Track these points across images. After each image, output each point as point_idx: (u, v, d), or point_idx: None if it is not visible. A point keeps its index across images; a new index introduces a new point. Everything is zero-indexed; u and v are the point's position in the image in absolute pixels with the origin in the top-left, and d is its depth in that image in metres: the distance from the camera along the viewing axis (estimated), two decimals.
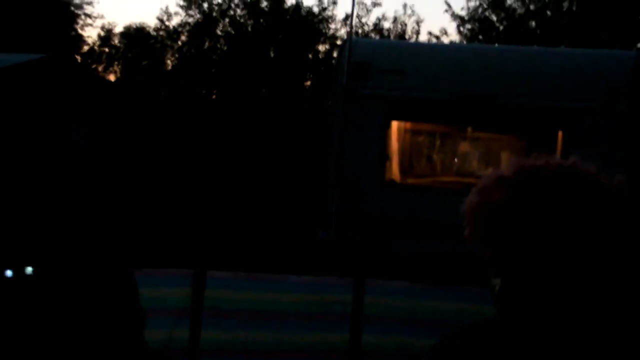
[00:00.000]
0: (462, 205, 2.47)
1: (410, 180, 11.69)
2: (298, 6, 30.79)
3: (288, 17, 28.93)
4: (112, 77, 26.86)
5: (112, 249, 3.04)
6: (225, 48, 25.74)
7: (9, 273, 4.88)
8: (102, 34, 32.68)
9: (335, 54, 10.82)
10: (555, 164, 2.42)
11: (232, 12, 30.39)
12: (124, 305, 2.77)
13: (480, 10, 33.94)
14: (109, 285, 2.76)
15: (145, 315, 2.81)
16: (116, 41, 31.62)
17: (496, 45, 27.39)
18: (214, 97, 23.50)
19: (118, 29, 35.30)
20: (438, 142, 12.42)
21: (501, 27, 33.57)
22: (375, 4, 37.16)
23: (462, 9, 53.94)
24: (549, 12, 32.87)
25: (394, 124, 11.48)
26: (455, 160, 12.37)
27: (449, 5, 42.69)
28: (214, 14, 29.60)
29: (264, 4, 30.32)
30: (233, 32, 28.09)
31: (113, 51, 31.10)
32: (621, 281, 2.36)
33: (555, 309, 2.35)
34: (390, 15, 67.46)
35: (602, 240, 2.32)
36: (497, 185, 2.43)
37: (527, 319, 2.38)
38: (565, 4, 32.33)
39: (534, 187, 2.36)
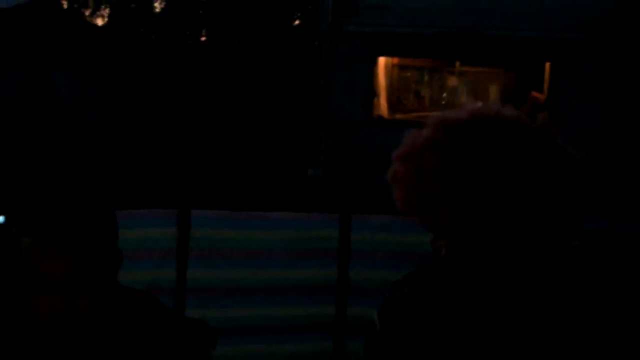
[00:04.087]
0: (388, 173, 2.43)
1: (398, 116, 11.67)
2: None
3: None
4: (99, 22, 26.66)
5: (91, 188, 3.02)
6: None
7: None
8: None
9: None
10: (480, 114, 2.39)
11: None
12: (101, 244, 2.77)
13: None
14: (89, 224, 2.75)
15: (122, 256, 2.81)
16: None
17: None
18: (203, 39, 23.39)
19: None
20: (426, 77, 12.39)
21: None
22: None
23: None
24: None
25: (381, 61, 11.44)
26: (444, 95, 12.35)
27: None
28: None
29: None
30: None
31: None
32: (552, 220, 2.36)
33: (502, 256, 2.34)
34: None
35: (533, 180, 2.31)
36: (427, 151, 2.38)
37: (477, 271, 2.38)
38: None
39: (463, 144, 2.33)
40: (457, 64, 12.15)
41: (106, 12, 31.08)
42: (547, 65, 10.95)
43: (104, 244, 2.73)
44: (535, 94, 11.63)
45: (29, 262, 2.66)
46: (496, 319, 2.38)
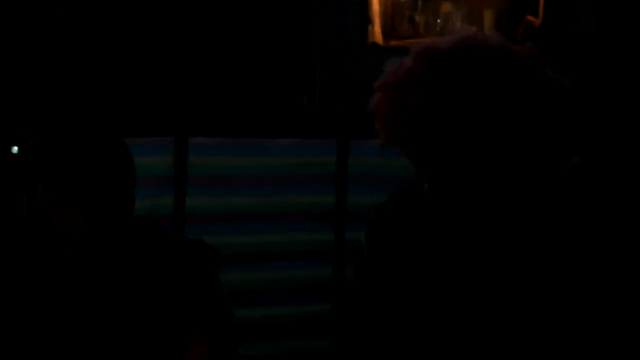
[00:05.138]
0: (370, 103, 2.39)
1: (393, 43, 11.56)
2: None
3: None
4: None
5: (96, 116, 3.01)
6: None
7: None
8: None
9: None
10: (465, 43, 2.35)
11: None
12: (119, 198, 2.75)
13: None
14: (98, 154, 2.72)
15: (134, 199, 2.79)
16: None
17: None
18: None
19: None
20: (420, 3, 12.25)
21: None
22: None
23: None
24: None
25: None
26: (438, 20, 12.23)
27: None
28: None
29: None
30: None
31: None
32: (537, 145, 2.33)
33: (484, 187, 2.32)
34: None
35: (517, 111, 2.28)
36: (409, 83, 2.34)
37: (457, 201, 2.35)
38: None
39: (446, 77, 2.29)
40: None
41: None
42: None
43: (121, 196, 2.70)
44: (530, 17, 11.53)
45: (43, 214, 2.62)
46: (467, 249, 2.36)
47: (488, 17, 13.00)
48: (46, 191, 2.72)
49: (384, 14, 12.79)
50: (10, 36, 6.24)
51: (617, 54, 10.97)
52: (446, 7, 13.25)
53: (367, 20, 11.94)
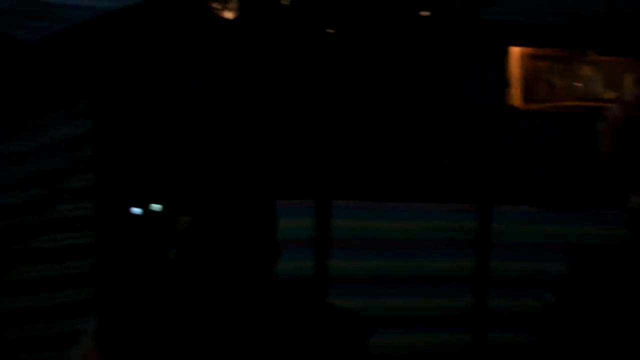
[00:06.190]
0: (601, 122, 2.40)
1: (531, 106, 11.52)
2: None
3: None
4: (229, 15, 26.90)
5: (253, 180, 3.06)
6: None
7: (137, 210, 4.93)
8: None
9: None
10: None
11: None
12: (262, 236, 2.79)
13: None
14: (251, 216, 2.77)
15: (280, 248, 2.82)
16: None
17: None
18: (332, 31, 23.40)
19: None
20: (559, 66, 12.18)
21: None
22: None
23: None
24: None
25: (514, 50, 11.30)
26: (577, 84, 12.13)
27: None
28: None
29: None
30: None
31: None
32: None
33: None
34: None
35: None
36: None
37: None
38: None
39: None
40: (592, 52, 11.91)
41: (234, 4, 31.33)
42: None
43: (264, 235, 2.74)
44: None
45: (186, 244, 2.68)
46: None
47: (628, 80, 12.84)
48: (195, 222, 2.78)
49: (523, 78, 12.76)
50: (151, 105, 6.42)
51: None
52: (586, 71, 13.16)
53: (505, 84, 11.92)
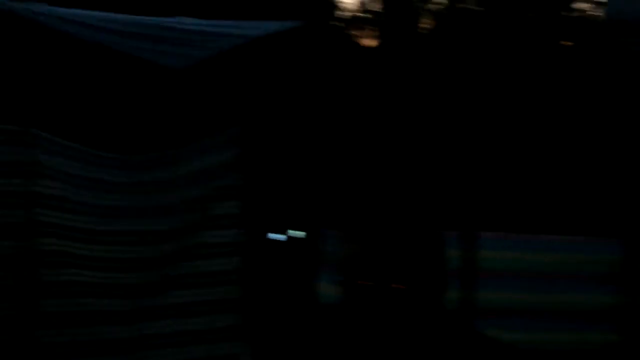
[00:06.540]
0: None
1: None
2: None
3: None
4: (370, 43, 26.90)
5: (429, 213, 3.13)
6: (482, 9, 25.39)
7: (280, 237, 5.03)
8: None
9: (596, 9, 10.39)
10: None
11: None
12: (432, 267, 2.85)
13: None
14: (421, 246, 2.83)
15: (448, 278, 2.86)
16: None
17: None
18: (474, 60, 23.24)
19: None
20: None
21: None
22: None
23: None
24: None
25: None
26: None
27: None
28: None
29: None
30: None
31: (369, 15, 30.90)
32: None
33: None
34: None
35: None
36: None
37: None
38: None
39: None
40: None
41: (374, 32, 31.26)
42: None
43: (434, 265, 2.80)
44: None
45: (353, 272, 2.76)
46: None
47: None
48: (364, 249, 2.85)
49: None
50: (295, 132, 6.49)
51: None
52: None
53: None
